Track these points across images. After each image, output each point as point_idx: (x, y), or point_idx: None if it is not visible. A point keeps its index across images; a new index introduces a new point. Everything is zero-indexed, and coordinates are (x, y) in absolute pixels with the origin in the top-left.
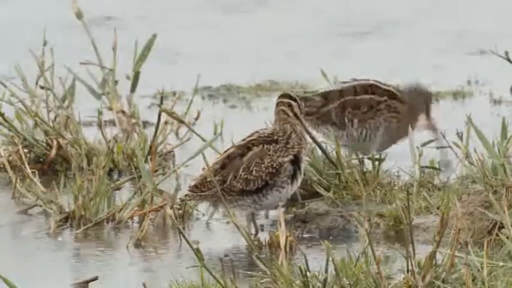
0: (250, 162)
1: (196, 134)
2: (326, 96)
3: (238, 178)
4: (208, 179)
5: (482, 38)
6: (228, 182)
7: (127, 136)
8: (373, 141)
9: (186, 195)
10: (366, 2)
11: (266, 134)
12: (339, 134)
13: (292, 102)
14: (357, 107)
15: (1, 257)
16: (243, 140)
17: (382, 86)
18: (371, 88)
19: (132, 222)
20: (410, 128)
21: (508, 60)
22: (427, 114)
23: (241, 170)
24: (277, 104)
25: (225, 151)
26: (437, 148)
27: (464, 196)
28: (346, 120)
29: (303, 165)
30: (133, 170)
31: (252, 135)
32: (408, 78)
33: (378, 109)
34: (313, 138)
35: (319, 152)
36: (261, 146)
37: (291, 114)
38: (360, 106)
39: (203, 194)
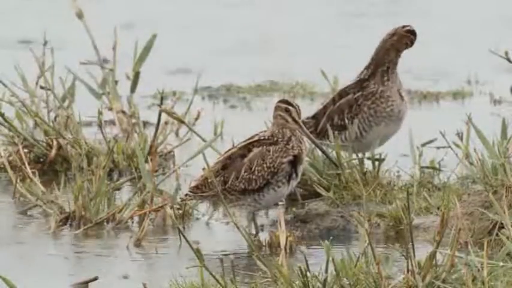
0: (252, 163)
1: (196, 134)
2: (315, 116)
3: (241, 178)
4: (209, 180)
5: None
6: (229, 183)
7: (127, 136)
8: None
9: (186, 195)
10: None
11: (266, 137)
12: (343, 136)
13: (290, 108)
14: (341, 113)
15: (1, 257)
16: (244, 141)
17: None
18: (344, 91)
19: (132, 222)
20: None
21: (508, 60)
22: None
23: (243, 171)
24: (275, 109)
25: (225, 152)
26: (438, 148)
27: (464, 196)
28: (346, 121)
29: (302, 166)
30: (133, 170)
31: (252, 137)
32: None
33: (358, 104)
34: (312, 140)
35: (319, 152)
36: (261, 147)
37: (289, 119)
38: (343, 110)
39: (204, 194)
